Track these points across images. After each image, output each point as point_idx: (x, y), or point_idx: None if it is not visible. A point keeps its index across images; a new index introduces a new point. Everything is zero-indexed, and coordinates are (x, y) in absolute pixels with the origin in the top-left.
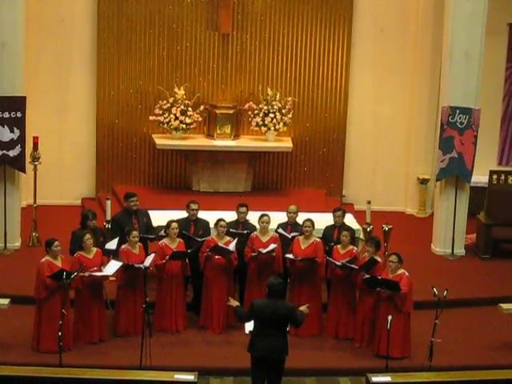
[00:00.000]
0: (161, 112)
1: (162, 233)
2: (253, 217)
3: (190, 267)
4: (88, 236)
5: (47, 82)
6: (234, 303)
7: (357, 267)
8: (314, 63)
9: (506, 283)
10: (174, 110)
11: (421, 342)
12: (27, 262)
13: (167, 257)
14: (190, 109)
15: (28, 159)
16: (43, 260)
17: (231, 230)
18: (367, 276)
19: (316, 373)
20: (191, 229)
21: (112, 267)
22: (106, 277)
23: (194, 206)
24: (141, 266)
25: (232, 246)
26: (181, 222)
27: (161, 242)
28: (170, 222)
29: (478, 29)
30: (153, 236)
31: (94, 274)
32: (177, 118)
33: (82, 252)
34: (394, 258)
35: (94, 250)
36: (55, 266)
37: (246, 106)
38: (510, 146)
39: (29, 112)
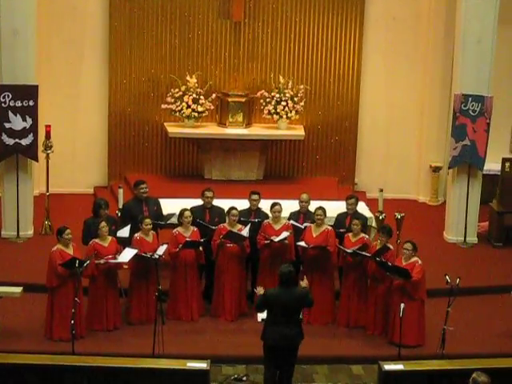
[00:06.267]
0: (173, 100)
1: (174, 221)
2: (265, 205)
3: (204, 256)
4: (103, 224)
5: (59, 71)
6: (260, 291)
7: (368, 254)
8: (326, 51)
9: None
10: (186, 99)
11: (433, 329)
12: (40, 250)
13: (180, 245)
14: (202, 97)
15: (40, 148)
16: (54, 248)
17: (242, 219)
18: (379, 259)
19: (328, 360)
20: (206, 216)
21: (127, 254)
22: (121, 264)
23: (208, 194)
24: (155, 255)
25: (245, 232)
26: (196, 210)
27: (174, 230)
28: (182, 211)
29: (490, 16)
30: (162, 222)
31: (109, 261)
32: (189, 107)
33: (97, 240)
34: (408, 245)
35: (109, 238)
36: (66, 255)
37: (258, 94)
38: None
39: (41, 101)
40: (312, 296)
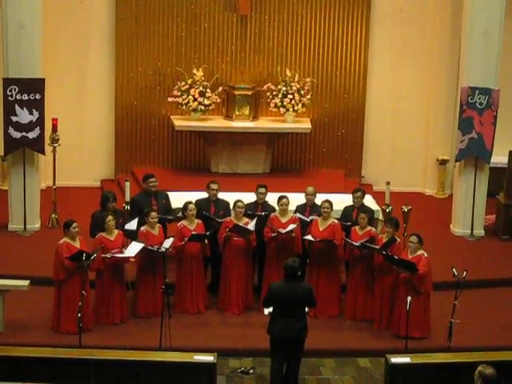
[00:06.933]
0: (179, 93)
1: (180, 214)
2: (272, 198)
3: (209, 248)
4: (110, 217)
5: (66, 64)
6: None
7: (376, 247)
8: (332, 44)
9: None
10: (192, 92)
11: (440, 322)
12: (47, 243)
13: (186, 239)
14: (208, 90)
15: (47, 141)
16: (61, 242)
17: (249, 212)
18: (385, 253)
19: (335, 354)
20: (212, 209)
21: (134, 248)
22: (128, 258)
23: (214, 186)
24: (161, 248)
25: (251, 226)
26: (201, 203)
27: (179, 223)
28: (186, 204)
29: (497, 8)
30: (171, 217)
31: (115, 255)
32: (195, 100)
33: (103, 233)
34: (414, 238)
35: (116, 231)
36: (73, 248)
37: (265, 87)
38: None
39: (48, 94)
40: (315, 295)
